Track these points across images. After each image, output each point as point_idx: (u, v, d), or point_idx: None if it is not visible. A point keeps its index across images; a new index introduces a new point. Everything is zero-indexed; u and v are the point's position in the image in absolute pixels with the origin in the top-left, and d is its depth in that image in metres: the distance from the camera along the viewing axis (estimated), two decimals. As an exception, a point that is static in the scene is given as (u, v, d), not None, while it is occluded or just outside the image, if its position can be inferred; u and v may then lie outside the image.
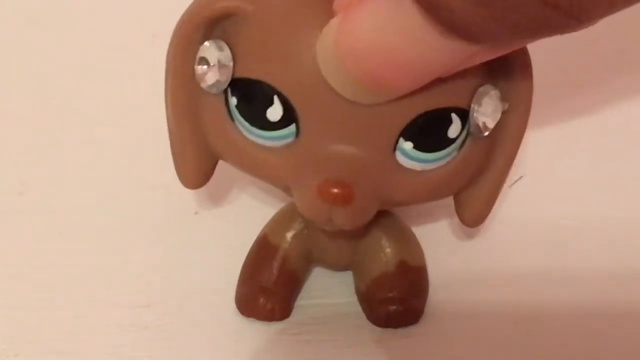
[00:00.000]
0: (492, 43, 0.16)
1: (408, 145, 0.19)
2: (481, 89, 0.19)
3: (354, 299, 0.25)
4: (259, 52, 0.19)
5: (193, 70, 0.20)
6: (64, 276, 0.26)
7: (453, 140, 0.19)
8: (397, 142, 0.19)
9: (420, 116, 0.19)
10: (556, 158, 0.30)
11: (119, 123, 0.31)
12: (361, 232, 0.24)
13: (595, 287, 0.25)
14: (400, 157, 0.19)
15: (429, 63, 0.17)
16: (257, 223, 0.25)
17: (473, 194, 0.22)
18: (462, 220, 0.23)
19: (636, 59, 0.34)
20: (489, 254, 0.26)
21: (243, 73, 0.19)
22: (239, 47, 0.19)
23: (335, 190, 0.18)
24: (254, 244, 0.25)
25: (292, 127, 0.19)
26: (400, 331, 0.24)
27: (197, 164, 0.21)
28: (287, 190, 0.20)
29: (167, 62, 0.20)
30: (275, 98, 0.19)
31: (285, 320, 0.24)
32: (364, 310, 0.24)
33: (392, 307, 0.24)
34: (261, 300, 0.24)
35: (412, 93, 0.18)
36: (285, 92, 0.18)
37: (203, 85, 0.20)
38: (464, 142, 0.20)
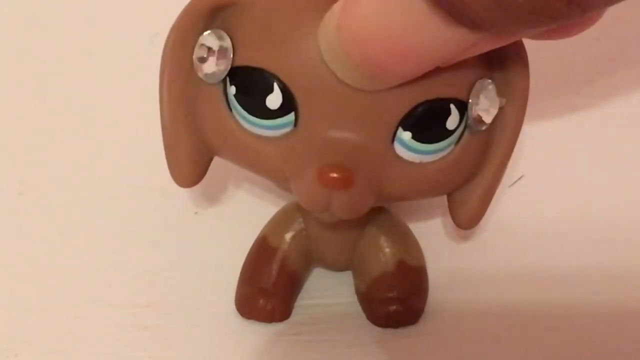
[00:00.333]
0: (495, 31, 0.16)
1: (407, 136, 0.19)
2: (479, 82, 0.20)
3: (354, 299, 0.25)
4: (259, 40, 0.19)
5: (191, 61, 0.20)
6: (64, 276, 0.26)
7: (451, 133, 0.19)
8: (396, 132, 0.19)
9: (419, 105, 0.19)
10: (556, 158, 0.30)
11: (118, 123, 0.31)
12: (360, 231, 0.24)
13: (595, 287, 0.25)
14: (399, 148, 0.19)
15: (431, 50, 0.17)
16: (257, 223, 0.25)
17: (468, 193, 0.22)
18: (456, 222, 0.22)
19: (637, 59, 0.34)
20: (489, 254, 0.26)
21: (242, 61, 0.19)
22: (239, 35, 0.19)
23: (335, 175, 0.18)
24: (253, 245, 0.25)
25: (291, 116, 0.19)
26: (400, 331, 0.24)
27: (191, 160, 0.21)
28: (284, 184, 0.20)
29: (165, 54, 0.20)
30: (275, 85, 0.19)
31: (285, 321, 0.24)
32: (364, 310, 0.24)
33: (392, 307, 0.24)
34: (261, 301, 0.24)
35: (412, 82, 0.18)
36: (285, 79, 0.18)
37: (202, 74, 0.20)
38: (461, 135, 0.20)
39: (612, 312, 0.25)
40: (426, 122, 0.19)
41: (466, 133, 0.20)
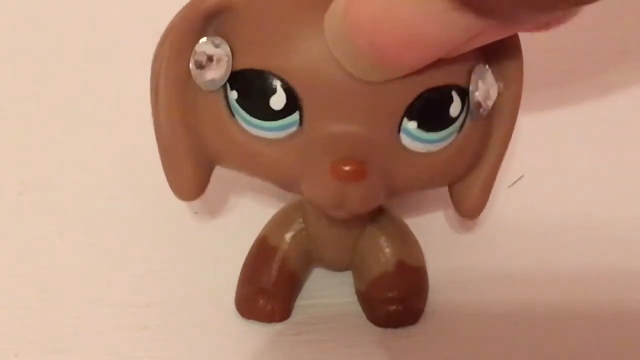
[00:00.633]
0: (503, 17, 0.15)
1: (412, 125, 0.19)
2: (477, 68, 0.20)
3: (354, 299, 0.25)
4: (258, 42, 0.19)
5: (187, 71, 0.20)
6: (64, 276, 0.26)
7: (454, 120, 0.20)
8: (401, 122, 0.19)
9: (422, 94, 0.19)
10: (556, 158, 0.30)
11: (119, 123, 0.31)
12: (360, 231, 0.24)
13: (595, 287, 0.25)
14: (405, 139, 0.19)
15: (438, 37, 0.16)
16: (257, 223, 0.25)
17: (470, 182, 0.22)
18: (460, 212, 0.23)
19: (637, 59, 0.34)
20: (489, 254, 0.26)
21: (242, 65, 0.19)
22: (236, 40, 0.19)
23: (349, 168, 0.18)
24: (253, 245, 0.25)
25: (295, 115, 0.19)
26: (400, 331, 0.24)
27: (193, 172, 0.21)
28: (293, 185, 0.20)
29: (158, 65, 0.20)
30: (278, 85, 0.18)
31: (285, 321, 0.24)
32: (364, 310, 0.24)
33: (392, 307, 0.24)
34: (261, 301, 0.24)
35: (414, 72, 0.18)
36: (287, 79, 0.18)
37: (201, 82, 0.20)
38: (463, 123, 0.20)
39: (612, 312, 0.25)
40: (430, 111, 0.19)
41: (468, 121, 0.20)
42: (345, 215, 0.20)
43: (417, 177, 0.20)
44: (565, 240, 0.27)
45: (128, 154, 0.30)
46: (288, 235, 0.24)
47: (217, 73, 0.19)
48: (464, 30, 0.16)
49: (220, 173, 0.22)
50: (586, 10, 0.16)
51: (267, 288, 0.24)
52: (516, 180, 0.29)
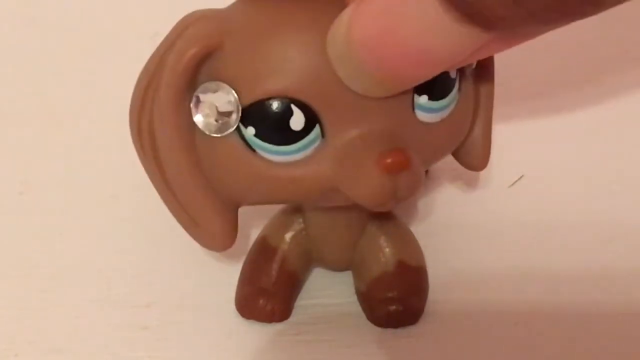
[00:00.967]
0: (507, 30, 0.16)
1: (424, 99, 0.19)
2: None
3: (354, 299, 0.25)
4: (257, 72, 0.18)
5: (189, 123, 0.19)
6: (64, 276, 0.26)
7: (454, 81, 0.20)
8: (413, 101, 0.19)
9: None
10: (556, 158, 0.30)
11: (119, 123, 0.31)
12: (360, 231, 0.24)
13: (595, 287, 0.25)
14: (420, 114, 0.20)
15: (444, 52, 0.16)
16: (257, 223, 0.25)
17: (471, 137, 0.22)
18: (471, 167, 0.23)
19: (637, 59, 0.34)
20: (489, 254, 0.26)
21: (250, 99, 0.19)
22: (234, 75, 0.19)
23: (396, 158, 0.18)
24: (253, 246, 0.25)
25: (316, 129, 0.19)
26: (400, 331, 0.24)
27: (221, 221, 0.20)
28: (326, 198, 0.20)
29: (146, 123, 0.20)
30: (293, 106, 0.18)
31: (285, 321, 0.24)
32: (364, 310, 0.24)
33: (392, 307, 0.24)
34: (261, 301, 0.24)
35: None
36: (300, 97, 0.18)
37: (211, 130, 0.19)
38: (460, 82, 0.20)
39: (612, 312, 0.25)
40: (435, 79, 0.19)
41: (462, 77, 0.20)
42: (393, 206, 0.20)
43: (441, 145, 0.21)
44: (565, 240, 0.27)
45: (128, 154, 0.30)
46: (288, 235, 0.24)
47: (226, 118, 0.19)
48: (469, 44, 0.16)
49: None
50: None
51: (267, 288, 0.24)
52: (516, 180, 0.29)
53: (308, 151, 0.19)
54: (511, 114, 0.31)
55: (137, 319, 0.24)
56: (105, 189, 0.29)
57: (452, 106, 0.20)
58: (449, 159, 0.23)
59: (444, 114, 0.20)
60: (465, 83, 0.21)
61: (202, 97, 0.19)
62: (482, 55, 0.18)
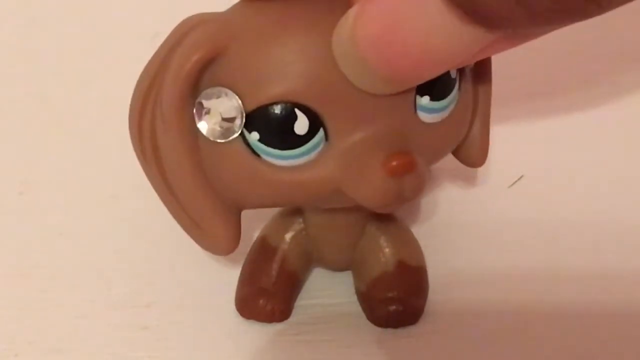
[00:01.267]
0: (511, 30, 0.16)
1: (425, 100, 0.19)
2: None
3: (354, 299, 0.25)
4: (260, 77, 0.18)
5: (192, 128, 0.19)
6: (64, 276, 0.26)
7: (455, 80, 0.20)
8: (415, 102, 0.19)
9: None
10: (556, 158, 0.30)
11: (119, 123, 0.31)
12: (360, 231, 0.24)
13: (595, 287, 0.25)
14: (422, 115, 0.20)
15: (449, 51, 0.17)
16: (257, 224, 0.25)
17: (470, 134, 0.22)
18: (470, 163, 0.23)
19: (637, 59, 0.34)
20: (489, 254, 0.26)
21: (254, 104, 0.19)
22: (237, 81, 0.19)
23: (401, 161, 0.18)
24: (253, 246, 0.25)
25: (320, 133, 0.19)
26: (400, 331, 0.24)
27: (224, 225, 0.20)
28: (330, 200, 0.20)
29: (148, 128, 0.20)
30: (297, 111, 0.18)
31: (285, 321, 0.24)
32: (364, 310, 0.24)
33: (392, 307, 0.24)
34: (261, 301, 0.24)
35: None
36: (304, 101, 0.18)
37: (215, 136, 0.19)
38: (460, 80, 0.20)
39: (612, 312, 0.25)
40: (436, 80, 0.19)
41: (462, 76, 0.21)
42: (397, 208, 0.20)
43: (443, 144, 0.21)
44: (565, 240, 0.27)
45: (128, 154, 0.30)
46: (288, 235, 0.24)
47: (232, 124, 0.19)
48: (473, 43, 0.16)
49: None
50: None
51: (267, 288, 0.24)
52: (516, 180, 0.29)
53: (312, 155, 0.19)
54: (511, 114, 0.31)
55: (137, 319, 0.24)
56: (105, 189, 0.29)
57: (452, 106, 0.20)
58: (449, 158, 0.23)
59: (445, 113, 0.20)
60: (465, 82, 0.21)
61: (205, 103, 0.19)
62: (486, 55, 0.18)
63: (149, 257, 0.26)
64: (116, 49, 0.34)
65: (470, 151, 0.23)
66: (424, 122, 0.20)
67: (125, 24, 0.36)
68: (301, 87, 0.18)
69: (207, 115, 0.19)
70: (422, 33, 0.16)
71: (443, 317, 0.24)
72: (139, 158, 0.21)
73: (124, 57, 0.33)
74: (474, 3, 0.15)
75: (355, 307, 0.25)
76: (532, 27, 0.15)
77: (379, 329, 0.24)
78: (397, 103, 0.19)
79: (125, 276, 0.26)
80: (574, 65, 0.34)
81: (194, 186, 0.20)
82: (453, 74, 0.20)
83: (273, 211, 0.25)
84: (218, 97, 0.19)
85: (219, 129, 0.19)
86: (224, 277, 0.25)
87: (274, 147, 0.19)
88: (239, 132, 0.19)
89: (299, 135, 0.19)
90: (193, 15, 0.20)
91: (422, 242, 0.25)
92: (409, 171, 0.18)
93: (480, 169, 0.27)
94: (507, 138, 0.29)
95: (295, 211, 0.24)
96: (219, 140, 0.19)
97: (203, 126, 0.19)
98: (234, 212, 0.21)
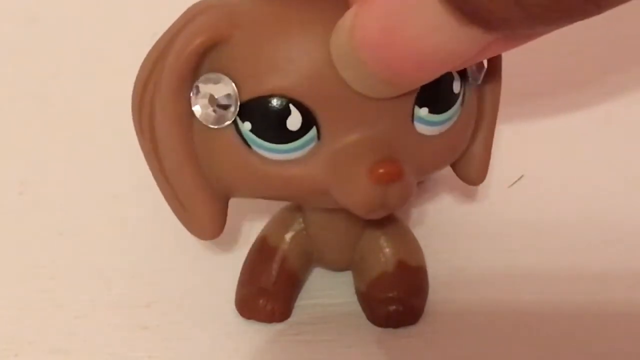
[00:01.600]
0: (509, 31, 0.16)
1: (424, 112, 0.19)
2: None
3: (354, 299, 0.25)
4: (259, 68, 0.19)
5: (188, 111, 0.19)
6: (64, 276, 0.26)
7: (457, 96, 0.20)
8: (413, 112, 0.19)
9: None
10: (556, 158, 0.30)
11: (119, 123, 0.31)
12: (360, 231, 0.24)
13: (595, 287, 0.25)
14: (419, 126, 0.19)
15: (445, 53, 0.17)
16: (257, 223, 0.25)
17: (471, 149, 0.22)
18: (468, 180, 0.23)
19: (637, 59, 0.34)
20: (489, 254, 0.26)
21: (249, 94, 0.19)
22: (236, 70, 0.19)
23: (388, 169, 0.18)
24: (253, 246, 0.25)
25: (313, 131, 0.19)
26: (400, 331, 0.24)
27: (210, 210, 0.21)
28: (317, 200, 0.20)
29: (147, 108, 0.20)
30: (291, 106, 0.18)
31: (285, 321, 0.24)
32: (364, 310, 0.24)
33: (392, 307, 0.24)
34: (261, 301, 0.24)
35: None
36: (299, 98, 0.18)
37: (209, 121, 0.19)
38: (464, 95, 0.20)
39: (612, 312, 0.25)
40: (437, 93, 0.19)
41: (466, 92, 0.20)
42: (383, 215, 0.20)
43: (437, 158, 0.21)
44: (565, 240, 0.27)
45: (128, 154, 0.30)
46: (288, 235, 0.24)
47: (224, 111, 0.19)
48: (472, 45, 0.16)
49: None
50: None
51: (267, 288, 0.24)
52: (516, 180, 0.29)
53: (303, 152, 0.19)
54: (511, 114, 0.31)
55: (137, 319, 0.24)
56: (105, 189, 0.29)
57: (452, 120, 0.20)
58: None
59: (444, 127, 0.20)
60: (468, 97, 0.21)
61: (202, 87, 0.19)
62: (485, 56, 0.18)
63: (149, 257, 0.26)
64: (116, 49, 0.34)
65: (469, 168, 0.23)
66: (420, 134, 0.20)
67: (125, 24, 0.36)
68: (298, 84, 0.18)
69: (202, 99, 0.19)
70: (419, 35, 0.16)
71: (443, 317, 0.24)
72: (137, 135, 0.21)
73: (124, 57, 0.33)
74: (472, 4, 0.15)
75: (355, 307, 0.25)
76: (531, 28, 0.15)
77: (379, 329, 0.24)
78: (394, 110, 0.19)
79: (125, 276, 0.26)
80: (574, 65, 0.34)
81: (183, 167, 0.20)
82: (456, 89, 0.20)
83: (273, 211, 0.25)
84: (216, 82, 0.19)
85: (212, 114, 0.19)
86: (224, 277, 0.25)
87: (265, 139, 0.19)
88: (232, 120, 0.19)
89: (290, 131, 0.19)
90: (202, 1, 0.20)
91: (422, 242, 0.25)
92: (395, 180, 0.18)
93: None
94: (507, 138, 0.29)
95: (295, 211, 0.24)
96: (211, 126, 0.19)
97: (197, 110, 0.19)
98: (221, 199, 0.21)
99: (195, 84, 0.19)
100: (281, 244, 0.24)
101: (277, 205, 0.26)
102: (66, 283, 0.25)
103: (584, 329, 0.24)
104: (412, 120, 0.19)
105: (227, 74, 0.19)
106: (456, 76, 0.20)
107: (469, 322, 0.24)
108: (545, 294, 0.25)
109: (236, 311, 0.24)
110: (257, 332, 0.24)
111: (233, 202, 0.28)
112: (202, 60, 0.19)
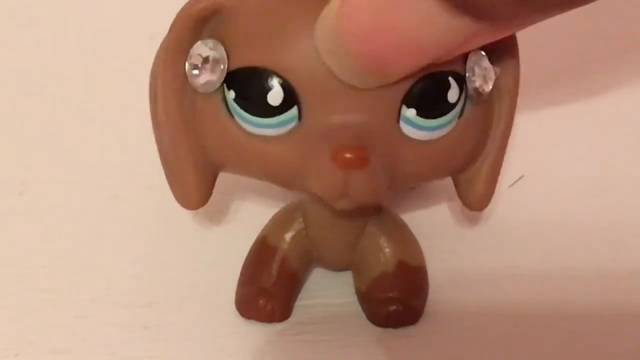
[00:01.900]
0: (498, 19, 0.15)
1: (411, 113, 0.19)
2: (472, 54, 0.20)
3: (354, 299, 0.25)
4: (252, 40, 0.19)
5: (184, 76, 0.20)
6: (64, 276, 0.26)
7: (453, 106, 0.19)
8: (400, 110, 0.19)
9: (419, 81, 0.19)
10: (556, 158, 0.30)
11: (118, 123, 0.31)
12: (360, 231, 0.24)
13: (595, 287, 0.25)
14: (405, 127, 0.19)
15: (432, 41, 0.16)
16: (257, 223, 0.25)
17: (475, 172, 0.22)
18: (466, 204, 0.22)
19: (637, 59, 0.34)
20: (489, 254, 0.26)
21: (238, 64, 0.19)
22: (231, 40, 0.19)
23: (350, 154, 0.18)
24: (253, 246, 0.25)
25: (294, 110, 0.19)
26: (400, 331, 0.24)
27: (196, 179, 0.21)
28: (297, 182, 0.20)
29: (155, 71, 0.20)
30: (275, 81, 0.19)
31: (285, 321, 0.24)
32: (364, 310, 0.24)
33: (392, 307, 0.24)
34: (261, 301, 0.24)
35: None
36: (283, 74, 0.18)
37: (197, 85, 0.20)
38: (463, 109, 0.20)
39: (612, 312, 0.25)
40: (428, 97, 0.19)
41: (468, 106, 0.20)
42: (350, 206, 0.20)
43: (420, 166, 0.20)
44: (565, 240, 0.27)
45: (128, 153, 0.30)
46: (288, 235, 0.24)
47: (212, 75, 0.19)
48: (459, 33, 0.16)
49: (220, 173, 0.22)
50: (587, 9, 0.16)
51: (267, 288, 0.24)
52: (516, 180, 0.29)
53: (282, 130, 0.19)
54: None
55: (137, 319, 0.24)
56: (106, 189, 0.29)
57: (444, 130, 0.20)
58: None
59: (434, 135, 0.20)
60: (471, 112, 0.20)
61: (195, 49, 0.19)
62: (474, 46, 0.17)
63: (149, 257, 0.26)
64: (116, 49, 0.34)
65: (471, 193, 0.22)
66: (405, 135, 0.19)
67: (125, 24, 0.36)
68: (287, 61, 0.18)
69: (194, 61, 0.19)
70: (407, 23, 0.16)
71: (443, 317, 0.24)
72: (149, 97, 0.21)
73: (124, 57, 0.33)
74: None
75: (355, 307, 0.25)
76: (521, 16, 0.15)
77: (379, 329, 0.24)
78: (378, 104, 0.19)
79: (125, 276, 0.26)
80: (574, 65, 0.34)
81: (174, 133, 0.20)
82: (452, 99, 0.19)
83: (274, 210, 0.25)
84: (209, 47, 0.19)
85: (201, 76, 0.19)
86: (224, 277, 0.25)
87: (246, 110, 0.19)
88: (219, 86, 0.19)
89: (271, 106, 0.19)
90: None
91: (422, 242, 0.25)
92: (357, 167, 0.18)
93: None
94: (507, 138, 0.29)
95: (295, 210, 0.24)
96: (200, 91, 0.20)
97: (189, 72, 0.20)
98: (210, 170, 0.21)
99: (191, 48, 0.20)
100: (281, 244, 0.24)
101: (278, 205, 0.26)
102: (66, 283, 0.25)
103: (584, 329, 0.24)
104: (399, 119, 0.19)
105: (220, 41, 0.19)
106: (454, 86, 0.19)
107: (469, 322, 0.24)
108: (545, 294, 0.25)
109: (236, 311, 0.24)
110: (257, 332, 0.24)
111: (234, 202, 0.28)
112: (201, 27, 0.19)
